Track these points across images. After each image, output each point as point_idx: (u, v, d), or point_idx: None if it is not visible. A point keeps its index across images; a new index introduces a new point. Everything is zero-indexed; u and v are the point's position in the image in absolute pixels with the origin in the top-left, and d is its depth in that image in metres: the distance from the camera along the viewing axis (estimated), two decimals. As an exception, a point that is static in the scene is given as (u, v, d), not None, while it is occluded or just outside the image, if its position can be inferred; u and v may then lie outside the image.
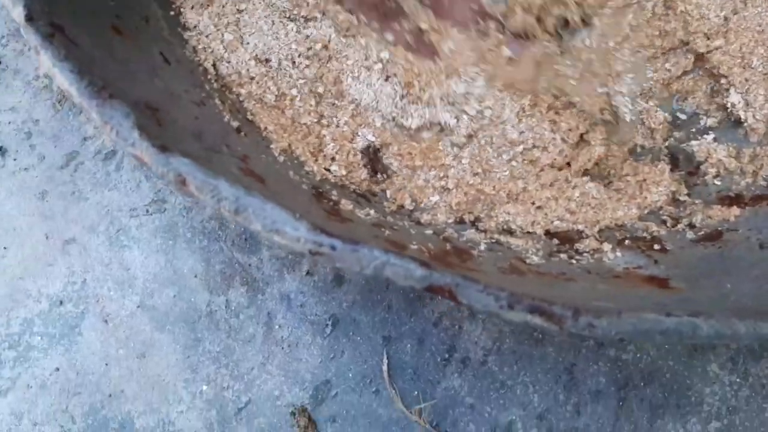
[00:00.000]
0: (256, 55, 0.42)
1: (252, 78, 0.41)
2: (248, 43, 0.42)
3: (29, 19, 0.28)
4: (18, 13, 0.28)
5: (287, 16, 0.44)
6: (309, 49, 0.43)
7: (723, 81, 0.45)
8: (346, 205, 0.36)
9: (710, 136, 0.45)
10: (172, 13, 0.40)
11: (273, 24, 0.44)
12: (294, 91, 0.42)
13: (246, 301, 0.45)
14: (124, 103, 0.28)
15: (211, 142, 0.33)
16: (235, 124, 0.37)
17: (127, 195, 0.48)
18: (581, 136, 0.44)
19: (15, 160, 0.48)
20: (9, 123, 0.48)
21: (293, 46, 0.43)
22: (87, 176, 0.48)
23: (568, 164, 0.42)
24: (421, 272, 0.26)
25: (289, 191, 0.34)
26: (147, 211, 0.48)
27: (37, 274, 0.46)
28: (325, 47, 0.44)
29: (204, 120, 0.35)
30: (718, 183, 0.44)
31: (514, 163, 0.43)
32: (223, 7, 0.41)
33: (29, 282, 0.46)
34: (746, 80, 0.44)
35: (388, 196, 0.40)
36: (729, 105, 0.44)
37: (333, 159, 0.40)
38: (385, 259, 0.26)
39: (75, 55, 0.29)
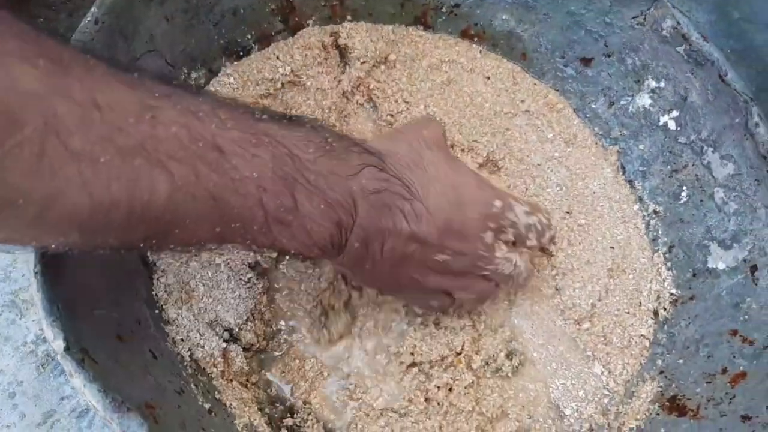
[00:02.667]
0: (231, 333, 0.52)
1: (223, 356, 0.51)
2: (221, 323, 0.52)
3: (66, 348, 0.37)
4: (58, 345, 0.37)
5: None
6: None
7: (588, 353, 0.58)
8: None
9: (581, 392, 0.57)
10: (156, 311, 0.50)
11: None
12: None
13: None
14: (138, 414, 0.36)
15: (192, 429, 0.42)
16: (207, 405, 0.46)
17: (96, 447, 0.54)
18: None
19: (-1, 418, 0.54)
20: (-4, 384, 0.55)
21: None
22: None
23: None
24: None
25: (254, 469, 0.43)
26: (114, 462, 0.54)
27: None
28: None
29: (184, 407, 0.44)
30: (593, 438, 0.55)
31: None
32: (199, 300, 0.51)
33: None
34: (607, 354, 0.57)
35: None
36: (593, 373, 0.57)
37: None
38: None
39: (98, 373, 0.38)
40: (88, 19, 0.49)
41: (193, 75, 0.59)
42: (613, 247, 0.62)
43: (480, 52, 0.70)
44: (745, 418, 0.50)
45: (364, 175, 0.43)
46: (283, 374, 0.54)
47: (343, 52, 0.65)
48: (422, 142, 0.49)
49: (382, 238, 0.45)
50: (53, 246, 0.35)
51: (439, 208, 0.46)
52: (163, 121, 0.34)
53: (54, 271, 0.40)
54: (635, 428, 0.54)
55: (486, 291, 0.53)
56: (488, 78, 0.69)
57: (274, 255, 0.56)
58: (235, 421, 0.47)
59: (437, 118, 0.64)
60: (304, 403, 0.52)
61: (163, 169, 0.34)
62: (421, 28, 0.70)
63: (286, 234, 0.41)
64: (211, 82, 0.61)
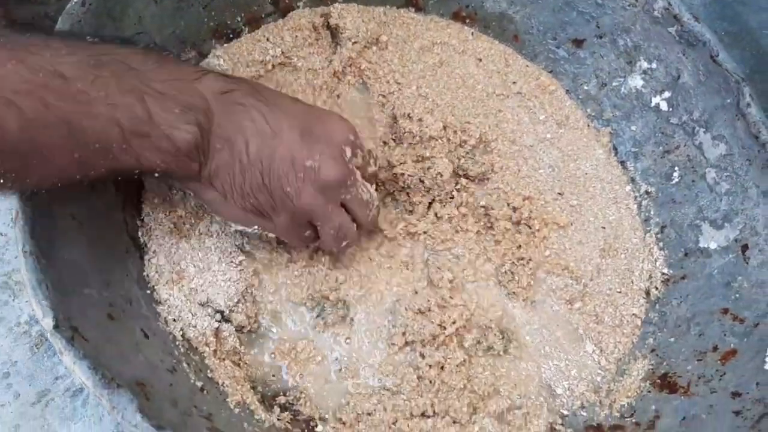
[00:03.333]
0: (222, 314, 0.52)
1: (215, 336, 0.51)
2: (212, 304, 0.52)
3: (56, 327, 0.38)
4: (47, 323, 0.38)
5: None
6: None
7: (580, 332, 0.58)
8: (290, 451, 0.45)
9: (574, 371, 0.57)
10: (148, 291, 0.50)
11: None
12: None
13: None
14: (128, 390, 0.37)
15: (183, 406, 0.42)
16: (199, 384, 0.46)
17: (90, 428, 0.55)
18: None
19: (-7, 399, 0.54)
20: (-10, 366, 0.55)
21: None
22: (56, 411, 0.55)
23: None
24: None
25: (247, 446, 0.43)
26: (108, 442, 0.54)
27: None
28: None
29: (176, 385, 0.44)
30: (584, 414, 0.55)
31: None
32: (191, 281, 0.51)
33: None
34: (599, 333, 0.58)
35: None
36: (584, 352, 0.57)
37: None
38: None
39: (88, 351, 0.38)
40: (75, 0, 0.49)
41: (183, 57, 0.59)
42: (604, 228, 0.63)
43: (472, 33, 0.70)
44: (735, 394, 0.51)
45: (209, 79, 0.45)
46: (274, 355, 0.54)
47: (334, 33, 0.65)
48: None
49: (243, 137, 0.45)
50: None
51: (297, 114, 0.48)
52: None
53: (43, 250, 0.40)
54: (626, 405, 0.55)
55: (345, 226, 0.52)
56: (480, 60, 0.69)
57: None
58: (227, 399, 0.48)
59: (430, 99, 0.64)
60: (297, 381, 0.53)
61: (9, 105, 0.35)
62: (413, 9, 0.69)
63: (148, 146, 0.41)
64: (200, 64, 0.61)
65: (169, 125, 0.41)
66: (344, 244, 0.54)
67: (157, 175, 0.44)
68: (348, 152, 0.50)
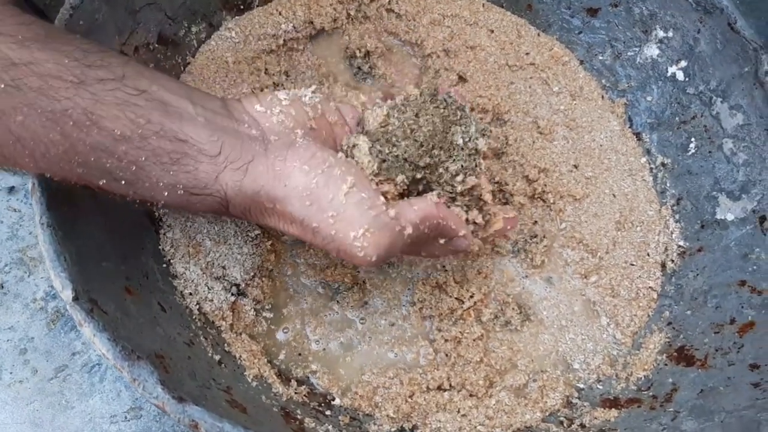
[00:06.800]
0: (238, 288, 0.52)
1: (232, 310, 0.51)
2: (228, 278, 0.52)
3: (75, 299, 0.37)
4: (66, 295, 0.37)
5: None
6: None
7: (596, 307, 0.58)
8: (309, 423, 0.45)
9: (590, 345, 0.57)
10: (164, 265, 0.50)
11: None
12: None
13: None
14: (149, 362, 0.36)
15: (202, 379, 0.42)
16: (216, 357, 0.46)
17: (108, 403, 0.55)
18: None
19: (11, 374, 0.54)
20: (7, 341, 0.55)
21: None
22: (74, 387, 0.55)
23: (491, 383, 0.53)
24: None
25: (266, 417, 0.43)
26: (125, 417, 0.55)
27: (23, 479, 0.52)
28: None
29: (194, 358, 0.44)
30: (600, 387, 0.55)
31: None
32: (207, 255, 0.51)
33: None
34: (614, 306, 0.57)
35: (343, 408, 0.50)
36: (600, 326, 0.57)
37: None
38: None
39: (107, 323, 0.38)
40: (85, -29, 0.48)
41: (194, 29, 0.59)
42: (619, 199, 0.62)
43: (483, 5, 0.69)
44: (754, 366, 0.51)
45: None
46: (290, 331, 0.53)
47: (344, 9, 0.64)
48: None
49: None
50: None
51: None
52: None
53: (59, 223, 0.40)
54: (643, 378, 0.54)
55: (460, 246, 0.47)
56: (492, 31, 0.68)
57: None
58: (245, 373, 0.48)
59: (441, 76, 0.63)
60: (313, 356, 0.53)
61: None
62: (424, -18, 0.68)
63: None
64: (212, 36, 0.60)
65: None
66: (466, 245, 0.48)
67: None
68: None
